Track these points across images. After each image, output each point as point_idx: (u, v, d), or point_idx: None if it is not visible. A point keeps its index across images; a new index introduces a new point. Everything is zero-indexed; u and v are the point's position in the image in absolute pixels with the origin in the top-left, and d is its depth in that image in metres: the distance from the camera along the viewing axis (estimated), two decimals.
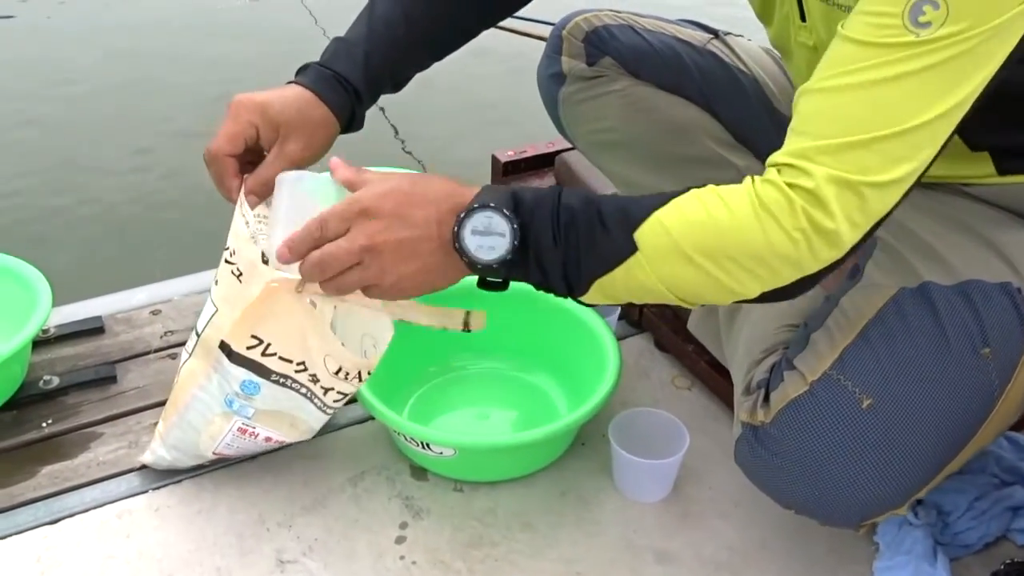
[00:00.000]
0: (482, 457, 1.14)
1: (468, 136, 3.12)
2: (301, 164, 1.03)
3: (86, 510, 1.12)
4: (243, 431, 1.08)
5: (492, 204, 0.84)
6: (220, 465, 1.17)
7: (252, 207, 1.02)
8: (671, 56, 1.29)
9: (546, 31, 1.41)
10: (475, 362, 1.35)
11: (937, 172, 0.98)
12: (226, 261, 1.02)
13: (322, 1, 4.10)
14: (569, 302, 1.26)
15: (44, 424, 1.23)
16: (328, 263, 0.87)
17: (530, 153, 1.77)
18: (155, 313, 1.45)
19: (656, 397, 1.31)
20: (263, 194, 1.02)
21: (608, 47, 1.31)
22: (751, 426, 0.98)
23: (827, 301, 1.02)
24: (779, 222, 0.78)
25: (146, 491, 1.14)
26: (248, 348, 1.00)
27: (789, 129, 0.81)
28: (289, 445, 1.18)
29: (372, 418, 1.19)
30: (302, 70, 1.07)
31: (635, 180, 1.32)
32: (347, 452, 1.20)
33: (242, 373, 1.01)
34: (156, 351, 1.37)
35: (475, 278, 0.90)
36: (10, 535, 1.08)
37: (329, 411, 1.09)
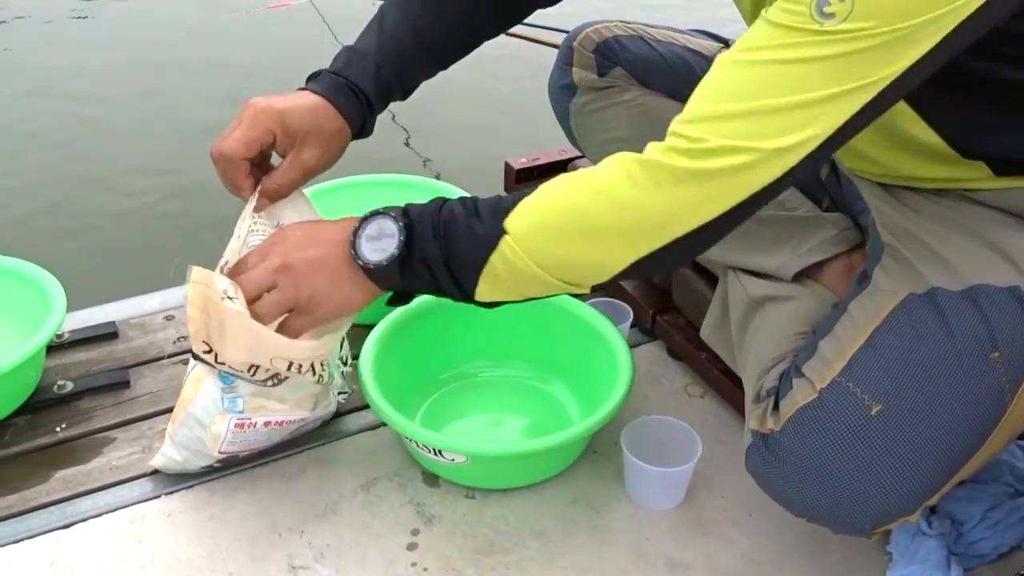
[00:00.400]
0: (494, 464, 1.14)
1: (481, 143, 3.12)
2: (314, 172, 1.06)
3: (99, 515, 1.12)
4: (240, 425, 1.08)
5: (381, 212, 0.92)
6: (232, 470, 1.17)
7: (260, 210, 1.04)
8: (681, 66, 1.29)
9: (557, 38, 1.42)
10: (487, 369, 1.34)
11: (937, 175, 0.99)
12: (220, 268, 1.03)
13: (333, 9, 4.11)
14: (581, 308, 1.27)
15: (58, 428, 1.24)
16: (246, 286, 0.96)
17: (543, 161, 1.76)
18: (168, 318, 1.46)
19: (669, 405, 1.30)
20: (275, 198, 1.06)
21: (619, 58, 1.32)
22: (761, 434, 0.97)
23: (836, 308, 1.02)
24: (642, 185, 0.81)
25: (158, 496, 1.14)
26: (204, 352, 1.02)
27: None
28: (302, 450, 1.18)
29: (384, 424, 1.19)
30: (313, 77, 1.08)
31: None
32: (359, 458, 1.20)
33: (219, 386, 1.05)
34: (169, 356, 1.38)
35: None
36: (23, 539, 1.08)
37: (321, 379, 1.08)
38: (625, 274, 0.87)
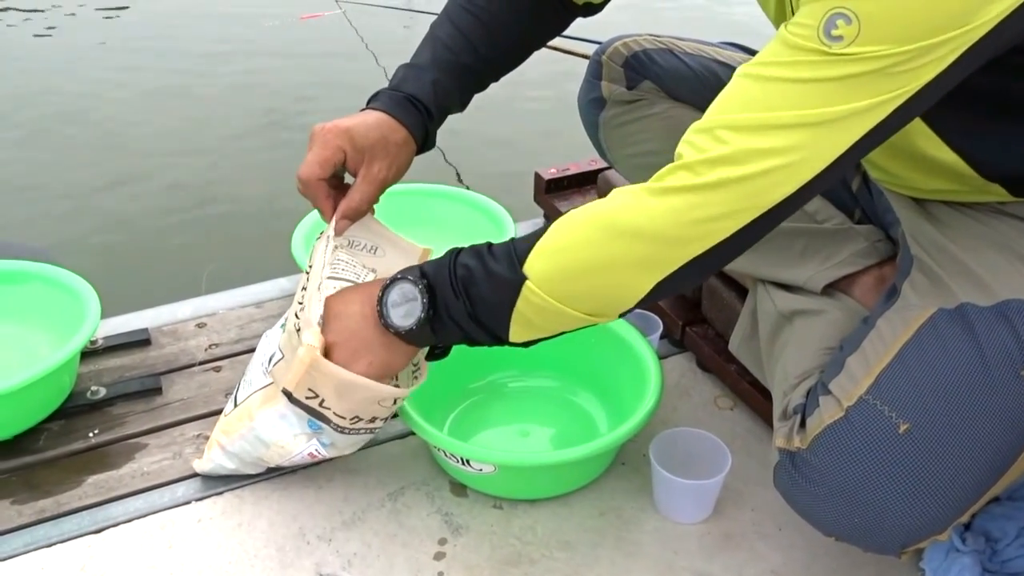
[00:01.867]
0: (522, 474, 1.14)
1: (511, 154, 3.13)
2: (387, 184, 1.09)
3: (130, 520, 1.12)
4: (312, 456, 1.11)
5: (399, 277, 0.95)
6: (262, 478, 1.17)
7: (340, 233, 1.07)
8: (710, 78, 1.29)
9: (588, 48, 1.42)
10: (516, 379, 1.34)
11: (960, 188, 0.98)
12: (296, 315, 1.06)
13: (365, 22, 4.14)
14: (615, 321, 1.27)
15: (91, 434, 1.25)
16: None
17: (572, 171, 1.76)
18: (200, 326, 1.47)
19: (698, 417, 1.30)
20: (355, 217, 1.08)
21: (648, 71, 1.32)
22: (788, 452, 0.96)
23: (863, 323, 1.00)
24: (651, 213, 0.82)
25: (189, 502, 1.15)
26: (307, 398, 1.04)
27: None
28: (330, 459, 1.19)
29: (412, 433, 1.19)
30: (375, 97, 1.11)
31: None
32: (387, 467, 1.20)
33: (304, 415, 1.06)
34: (200, 363, 1.39)
35: None
36: (56, 543, 1.09)
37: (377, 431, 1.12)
38: (648, 299, 0.88)
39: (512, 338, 0.94)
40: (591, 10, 1.20)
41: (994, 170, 0.96)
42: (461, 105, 1.16)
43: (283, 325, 1.15)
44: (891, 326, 0.96)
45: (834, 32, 0.75)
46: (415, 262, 1.11)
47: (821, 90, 0.77)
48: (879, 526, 0.90)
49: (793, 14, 0.81)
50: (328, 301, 1.02)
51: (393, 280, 0.96)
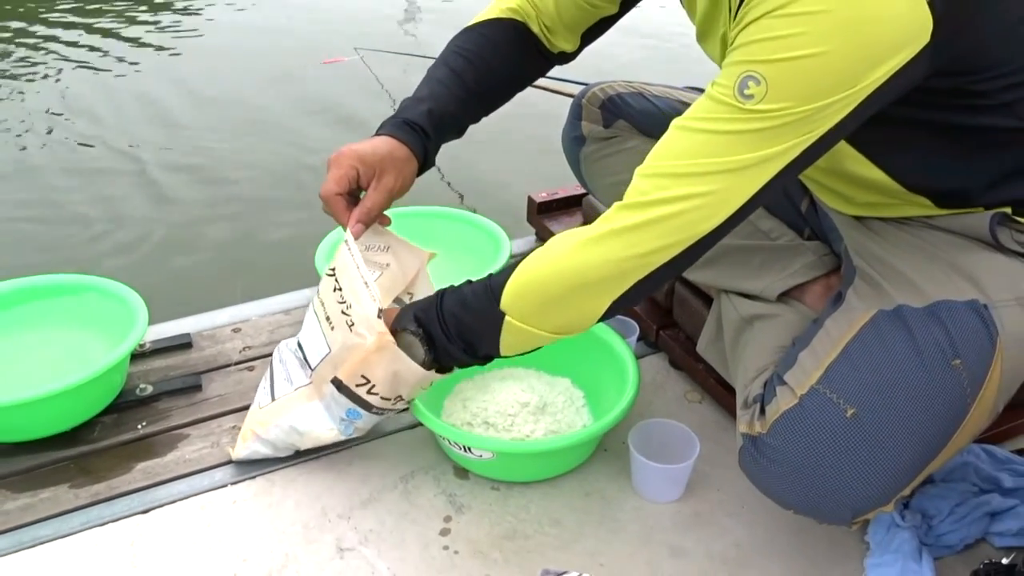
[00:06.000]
0: (517, 460, 1.13)
1: (506, 179, 3.13)
2: (394, 193, 1.11)
3: (173, 501, 1.12)
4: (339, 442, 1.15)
5: (402, 328, 1.01)
6: (290, 463, 1.17)
7: (357, 235, 1.09)
8: (676, 116, 1.29)
9: (572, 88, 1.43)
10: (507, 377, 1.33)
11: (890, 202, 1.00)
12: (343, 312, 1.07)
13: (382, 67, 4.14)
14: (596, 326, 1.26)
15: (139, 426, 1.24)
16: None
17: (561, 195, 1.76)
18: (236, 331, 1.46)
19: (671, 409, 1.29)
20: (368, 220, 1.10)
21: (622, 111, 1.33)
22: (750, 436, 0.96)
23: (813, 324, 1.00)
24: (601, 246, 0.86)
25: (225, 486, 1.14)
26: (357, 386, 1.06)
27: None
28: (350, 446, 1.19)
29: (420, 424, 1.18)
30: (382, 125, 1.13)
31: None
32: (399, 454, 1.20)
33: (348, 403, 1.09)
34: (236, 364, 1.38)
35: None
36: (108, 523, 1.09)
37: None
38: (605, 316, 0.92)
39: (503, 354, 0.98)
40: (566, 58, 1.21)
41: (917, 183, 0.96)
42: (457, 132, 1.17)
43: (298, 343, 1.17)
44: (837, 325, 0.96)
45: (746, 91, 0.78)
46: (421, 261, 1.17)
47: (737, 140, 0.80)
48: (832, 499, 0.90)
49: None
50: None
51: (401, 330, 1.01)
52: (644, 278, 0.87)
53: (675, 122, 0.85)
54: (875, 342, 0.92)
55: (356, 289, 1.06)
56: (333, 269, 1.10)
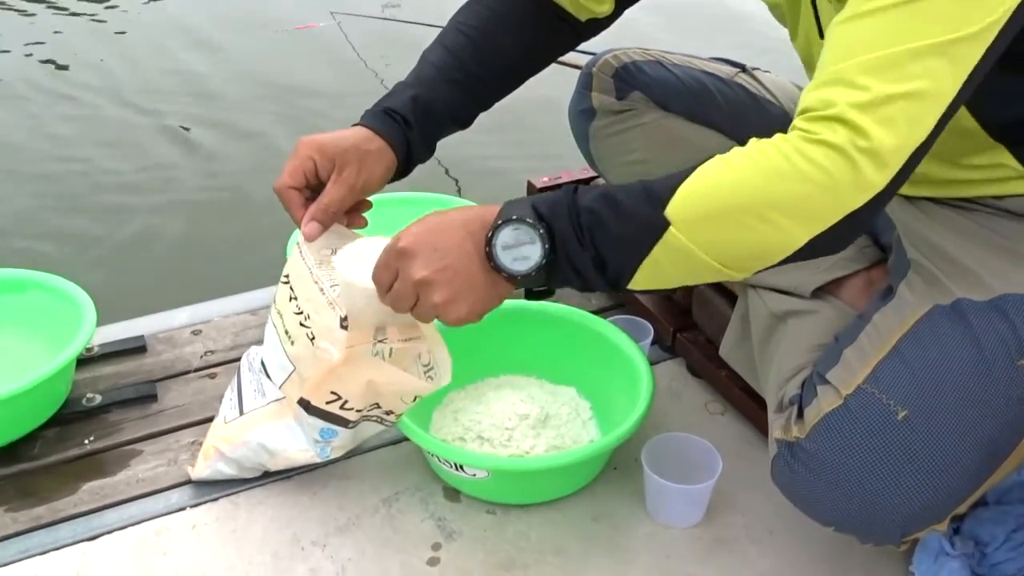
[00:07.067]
0: (515, 479, 1.14)
1: (503, 162, 3.13)
2: (357, 189, 1.08)
3: (124, 527, 1.12)
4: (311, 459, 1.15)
5: (515, 216, 0.86)
6: (256, 484, 1.17)
7: (311, 238, 1.06)
8: (699, 88, 1.30)
9: (580, 58, 1.43)
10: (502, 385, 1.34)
11: (962, 184, 0.99)
12: (301, 324, 1.07)
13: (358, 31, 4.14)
14: (602, 325, 1.27)
15: (86, 441, 1.25)
16: (396, 304, 0.93)
17: (565, 179, 1.76)
18: (196, 333, 1.47)
19: (689, 422, 1.29)
20: (326, 219, 1.07)
21: (637, 81, 1.33)
22: (786, 442, 0.97)
23: (858, 319, 1.01)
24: (810, 157, 0.77)
25: (183, 508, 1.15)
26: (327, 403, 1.07)
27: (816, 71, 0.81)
28: (325, 464, 1.19)
29: (406, 439, 1.19)
30: (363, 115, 1.12)
31: None
32: (381, 473, 1.20)
33: (320, 423, 1.10)
34: (196, 370, 1.38)
35: None
36: (50, 550, 1.09)
37: (388, 424, 1.15)
38: (797, 256, 0.82)
39: (632, 285, 0.87)
40: (598, 27, 1.20)
41: (999, 124, 0.94)
42: (455, 121, 1.16)
43: (261, 361, 1.18)
44: (887, 321, 0.97)
45: None
46: None
47: (939, 7, 0.75)
48: (879, 513, 0.91)
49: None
50: (418, 230, 0.92)
51: (506, 220, 0.87)
52: (861, 207, 0.79)
53: (841, 18, 0.80)
54: (930, 339, 0.93)
55: (313, 297, 1.06)
56: (287, 276, 1.11)
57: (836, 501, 0.93)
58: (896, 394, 0.91)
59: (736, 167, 0.81)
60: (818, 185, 0.77)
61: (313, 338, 1.06)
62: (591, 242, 0.85)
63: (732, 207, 0.80)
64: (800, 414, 0.97)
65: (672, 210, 0.81)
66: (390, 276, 0.92)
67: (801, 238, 0.80)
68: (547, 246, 0.86)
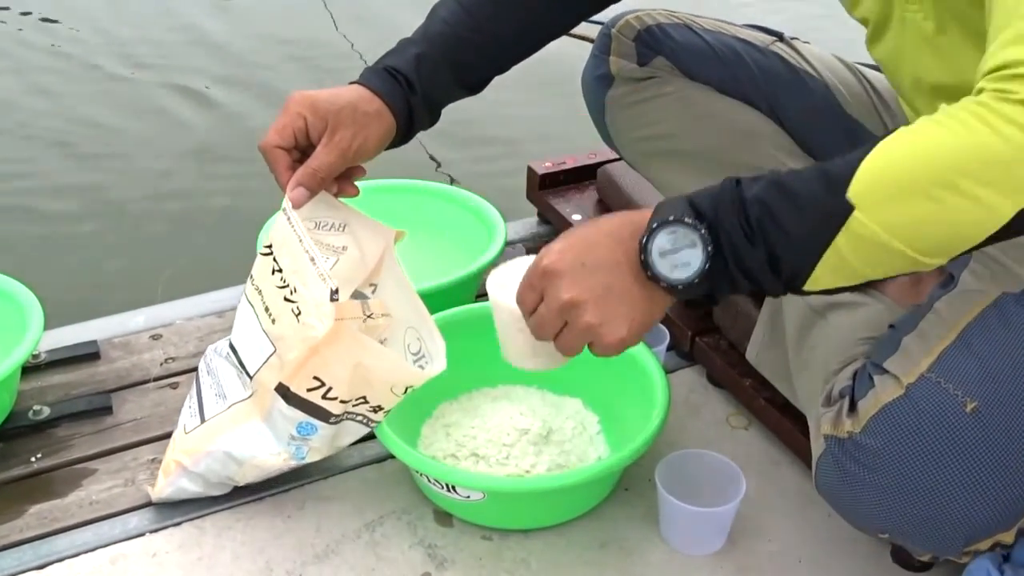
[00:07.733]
0: (514, 501, 1.13)
1: (504, 144, 3.14)
2: (352, 153, 1.08)
3: (76, 554, 1.11)
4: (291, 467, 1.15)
5: (671, 218, 0.83)
6: (224, 506, 1.16)
7: (297, 205, 1.07)
8: (731, 56, 1.30)
9: (593, 31, 1.42)
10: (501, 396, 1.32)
11: None
12: (286, 299, 1.06)
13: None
14: None
15: (33, 459, 1.24)
16: (538, 330, 0.90)
17: (569, 165, 1.76)
18: (155, 338, 1.46)
19: (709, 437, 1.29)
20: (313, 185, 1.07)
21: (662, 46, 1.33)
22: (837, 439, 0.96)
23: (917, 308, 1.02)
24: (1011, 118, 0.73)
25: (143, 534, 1.14)
26: (309, 390, 1.06)
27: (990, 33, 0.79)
28: (301, 484, 1.19)
29: (392, 457, 1.18)
30: (362, 73, 1.12)
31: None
32: (364, 494, 1.20)
33: (299, 415, 1.08)
34: (155, 380, 1.38)
35: None
36: None
37: (374, 426, 1.14)
38: (1003, 233, 0.78)
39: (810, 286, 0.83)
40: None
41: None
42: (463, 86, 1.16)
43: (230, 345, 1.17)
44: (951, 308, 0.97)
45: None
46: (387, 241, 1.13)
47: None
48: (942, 516, 0.91)
49: None
50: (561, 247, 0.89)
51: (661, 222, 0.84)
52: None
53: None
54: (999, 326, 0.93)
55: (301, 268, 1.05)
56: (270, 246, 1.10)
57: (895, 503, 0.92)
58: (964, 384, 0.91)
59: (925, 136, 0.77)
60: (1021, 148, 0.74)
61: (299, 314, 1.05)
62: (763, 239, 0.81)
63: (924, 181, 0.76)
64: (853, 407, 0.96)
65: (855, 191, 0.78)
66: (535, 298, 0.89)
67: (1007, 211, 0.76)
68: (710, 248, 0.83)
